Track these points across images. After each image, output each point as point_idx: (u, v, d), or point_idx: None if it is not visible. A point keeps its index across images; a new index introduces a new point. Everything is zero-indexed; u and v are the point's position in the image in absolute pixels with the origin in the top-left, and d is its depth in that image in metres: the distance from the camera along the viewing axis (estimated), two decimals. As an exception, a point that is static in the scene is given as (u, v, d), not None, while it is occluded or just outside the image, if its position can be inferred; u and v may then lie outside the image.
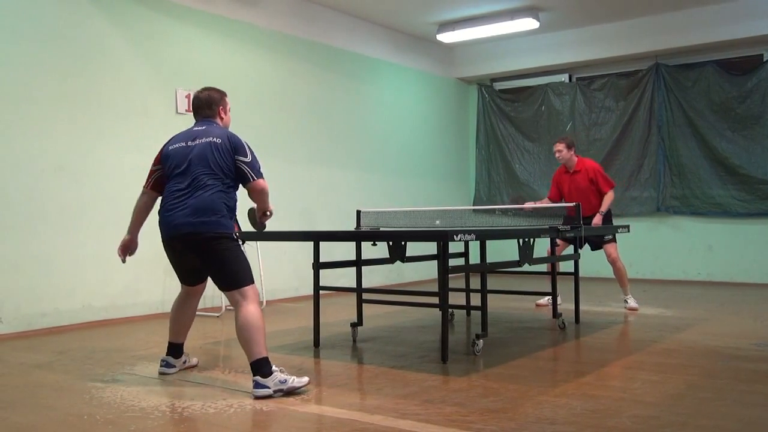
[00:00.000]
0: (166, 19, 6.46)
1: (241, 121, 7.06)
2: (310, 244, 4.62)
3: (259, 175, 3.63)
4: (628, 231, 5.99)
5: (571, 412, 3.00)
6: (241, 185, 3.66)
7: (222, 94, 3.87)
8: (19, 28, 5.40)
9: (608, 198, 6.23)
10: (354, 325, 4.91)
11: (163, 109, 6.40)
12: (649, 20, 8.79)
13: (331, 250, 6.61)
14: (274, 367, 3.38)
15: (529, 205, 6.25)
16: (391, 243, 4.66)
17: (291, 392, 3.33)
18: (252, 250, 6.85)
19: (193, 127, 3.79)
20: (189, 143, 3.64)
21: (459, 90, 10.58)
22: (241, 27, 7.13)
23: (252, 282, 3.53)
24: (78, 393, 3.47)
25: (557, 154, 6.36)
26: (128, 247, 3.88)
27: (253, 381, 3.34)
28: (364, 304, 4.99)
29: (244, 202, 3.81)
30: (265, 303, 6.64)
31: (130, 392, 3.46)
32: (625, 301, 6.34)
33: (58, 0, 5.65)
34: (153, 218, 5.96)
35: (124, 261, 3.89)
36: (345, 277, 7.56)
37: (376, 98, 8.93)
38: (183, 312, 3.90)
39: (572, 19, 8.89)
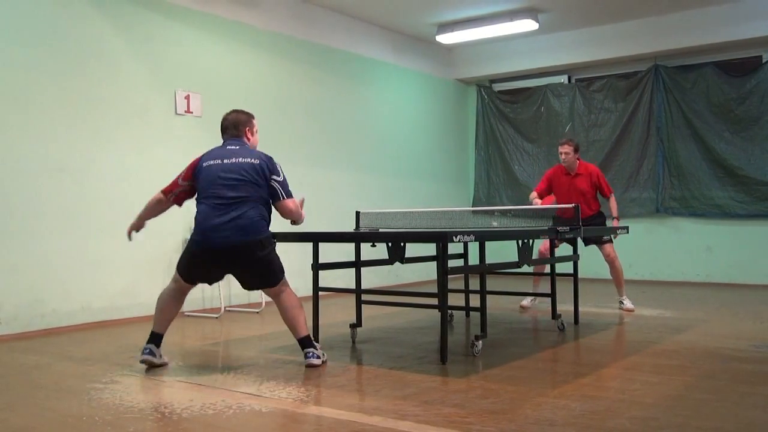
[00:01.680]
0: (166, 21, 6.46)
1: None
2: (309, 245, 4.62)
3: (289, 195, 3.96)
4: (627, 232, 6.00)
5: (570, 413, 3.00)
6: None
7: (249, 117, 4.11)
8: (19, 29, 5.39)
9: (615, 203, 6.46)
10: (353, 326, 4.91)
11: (163, 111, 6.40)
12: (648, 21, 8.80)
13: (330, 251, 6.60)
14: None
15: (535, 202, 6.25)
16: (390, 244, 4.66)
17: (324, 363, 3.99)
18: (251, 251, 6.85)
19: (225, 145, 4.01)
20: (225, 161, 3.87)
21: (458, 91, 10.58)
22: (240, 28, 7.13)
23: (284, 274, 4.02)
24: (77, 394, 3.47)
25: (563, 156, 6.25)
26: (136, 227, 4.14)
27: (308, 352, 3.92)
28: (363, 305, 4.99)
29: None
30: (264, 304, 6.64)
31: (129, 393, 3.46)
32: (621, 302, 6.33)
33: (57, 1, 5.65)
34: (152, 221, 5.93)
35: (130, 238, 4.14)
36: (344, 278, 7.56)
37: (375, 99, 8.93)
38: (172, 305, 4.02)
39: (571, 20, 8.90)
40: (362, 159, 8.65)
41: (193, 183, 3.98)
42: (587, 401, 3.19)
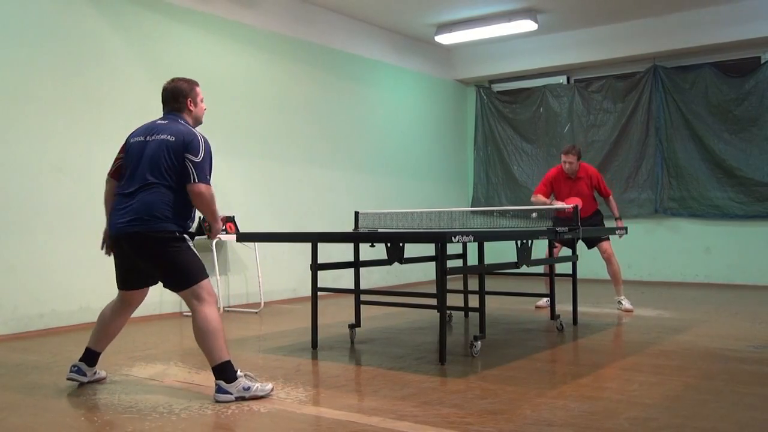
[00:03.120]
0: (165, 20, 6.46)
1: (238, 122, 7.07)
2: (308, 245, 4.62)
3: (203, 179, 3.36)
4: (626, 233, 6.01)
5: (568, 413, 3.00)
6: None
7: (192, 84, 3.62)
8: (17, 28, 5.39)
9: (615, 202, 6.52)
10: (352, 327, 4.91)
11: (162, 110, 6.38)
12: (647, 22, 8.81)
13: (329, 252, 6.60)
14: (239, 372, 3.30)
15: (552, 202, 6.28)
16: (389, 244, 4.66)
17: (253, 399, 3.26)
18: (250, 252, 6.86)
19: (157, 120, 3.57)
20: (147, 138, 3.45)
21: (457, 91, 10.58)
22: (239, 28, 7.13)
23: (201, 279, 3.35)
24: (75, 394, 3.46)
25: (568, 165, 6.25)
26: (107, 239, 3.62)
27: (216, 385, 3.27)
28: (362, 306, 4.99)
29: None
30: (263, 305, 6.64)
31: (128, 393, 3.45)
32: (619, 302, 6.34)
33: (57, 1, 5.64)
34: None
35: (109, 254, 3.61)
36: (343, 278, 7.56)
37: (374, 100, 8.93)
38: (113, 321, 3.62)
39: (570, 21, 8.90)
40: (361, 159, 8.65)
41: (123, 158, 3.56)
42: (586, 402, 3.19)
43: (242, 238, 5.03)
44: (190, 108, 3.60)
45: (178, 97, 3.58)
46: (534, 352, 4.44)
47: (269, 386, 3.38)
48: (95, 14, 5.91)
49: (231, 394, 3.24)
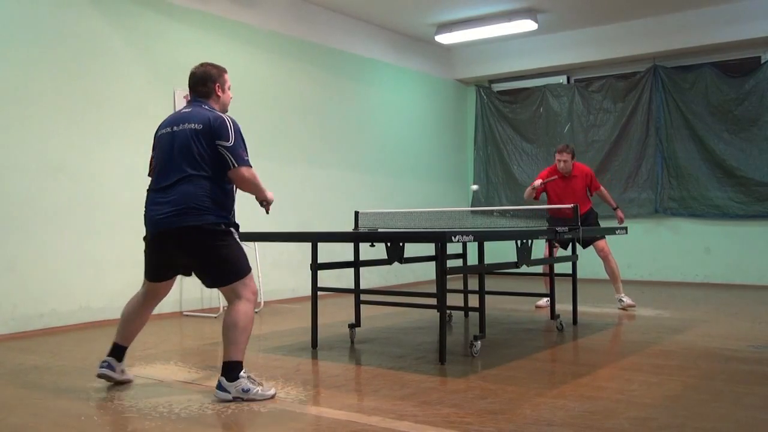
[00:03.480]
0: (165, 19, 6.46)
1: (239, 121, 7.06)
2: (308, 245, 4.62)
3: (242, 162, 3.32)
4: (626, 232, 6.01)
5: (568, 413, 3.00)
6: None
7: (221, 70, 3.56)
8: (17, 28, 5.39)
9: (607, 192, 6.60)
10: (352, 326, 4.91)
11: (162, 110, 6.37)
12: (647, 22, 8.81)
13: (329, 251, 6.61)
14: (242, 373, 3.28)
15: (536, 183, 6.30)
16: (389, 244, 4.66)
17: (251, 401, 3.23)
18: (250, 252, 6.84)
19: (182, 108, 3.50)
20: (174, 128, 3.37)
21: (457, 91, 10.58)
22: (239, 28, 7.13)
23: (245, 275, 3.33)
24: (75, 394, 3.47)
25: (562, 164, 6.30)
26: None
27: (218, 380, 3.27)
28: (362, 305, 4.99)
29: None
30: (263, 304, 6.63)
31: (127, 393, 3.45)
32: (620, 300, 6.35)
33: (56, 0, 5.64)
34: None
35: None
36: (343, 278, 7.56)
37: (374, 99, 8.93)
38: (139, 315, 3.59)
39: (570, 20, 8.90)
40: (361, 159, 8.64)
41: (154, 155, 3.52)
42: (586, 401, 3.19)
43: (242, 237, 5.01)
44: (218, 93, 3.54)
45: (206, 81, 3.51)
46: (534, 352, 4.44)
47: (271, 391, 3.32)
48: (95, 14, 5.90)
49: (228, 393, 3.23)
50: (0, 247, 5.22)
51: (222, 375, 3.26)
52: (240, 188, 3.44)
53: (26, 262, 5.35)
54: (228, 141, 3.31)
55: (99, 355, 4.44)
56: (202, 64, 3.57)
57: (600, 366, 4.00)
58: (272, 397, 3.30)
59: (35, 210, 5.43)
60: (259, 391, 3.27)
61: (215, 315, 6.26)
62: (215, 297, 6.51)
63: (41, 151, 5.49)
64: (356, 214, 5.60)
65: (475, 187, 6.11)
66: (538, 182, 6.32)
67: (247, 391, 3.24)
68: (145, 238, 3.47)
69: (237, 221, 3.48)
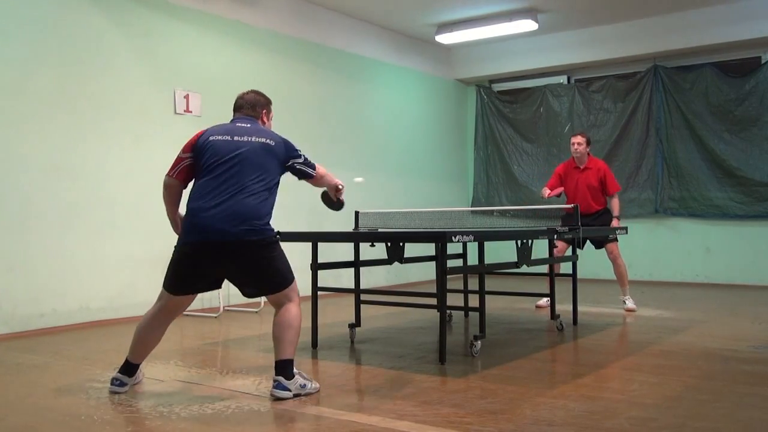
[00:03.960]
0: (165, 19, 6.45)
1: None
2: (308, 245, 4.62)
3: (314, 166, 3.66)
4: (626, 233, 6.00)
5: (568, 413, 3.00)
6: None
7: (269, 101, 3.75)
8: (17, 26, 5.39)
9: (618, 202, 6.44)
10: (352, 326, 4.91)
11: (162, 110, 6.40)
12: (647, 22, 8.80)
13: (330, 251, 6.61)
14: (295, 370, 3.33)
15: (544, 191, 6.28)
16: (389, 244, 4.66)
17: (308, 395, 3.32)
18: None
19: (235, 122, 3.55)
20: (236, 138, 3.39)
21: (457, 91, 10.58)
22: (239, 27, 7.13)
23: (293, 280, 3.44)
24: (75, 393, 3.46)
25: (576, 146, 6.33)
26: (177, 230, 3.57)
27: (275, 381, 3.27)
28: (362, 305, 4.99)
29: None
30: (263, 304, 6.64)
31: (128, 393, 3.45)
32: (624, 302, 6.35)
33: None
34: (148, 219, 5.93)
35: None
36: (343, 278, 7.55)
37: (374, 99, 8.93)
38: (154, 332, 3.51)
39: (571, 20, 8.90)
40: (361, 159, 8.64)
41: (194, 158, 3.43)
42: (586, 401, 3.19)
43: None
44: (264, 120, 3.68)
45: (255, 106, 3.66)
46: (534, 352, 4.44)
47: (318, 385, 3.43)
48: (96, 13, 5.90)
49: (290, 390, 3.26)
50: (0, 247, 5.22)
51: (278, 375, 3.27)
52: (319, 185, 3.76)
53: (26, 262, 5.35)
54: (300, 158, 3.58)
55: (99, 355, 4.45)
56: (252, 91, 3.74)
57: (600, 366, 4.00)
58: (319, 389, 3.41)
59: (35, 210, 5.43)
60: (312, 386, 3.37)
61: (215, 315, 6.26)
62: (215, 297, 6.51)
63: (41, 151, 5.49)
64: (356, 214, 5.60)
65: (359, 179, 6.04)
66: (546, 192, 6.31)
67: (304, 386, 3.32)
68: (183, 247, 3.36)
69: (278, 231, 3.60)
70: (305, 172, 3.61)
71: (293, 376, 3.29)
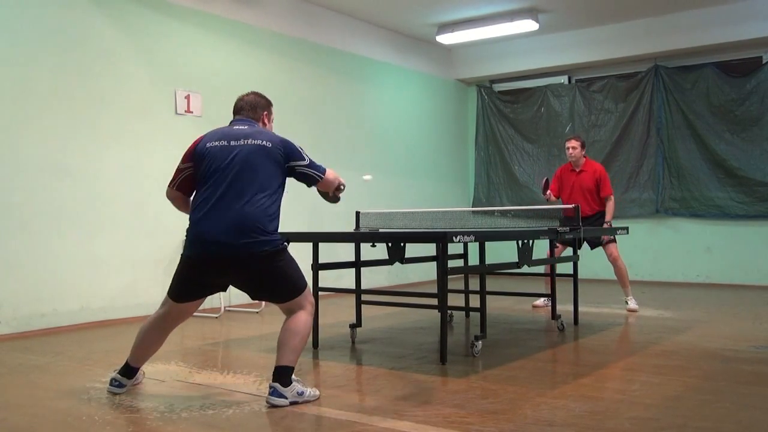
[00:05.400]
0: (166, 20, 6.46)
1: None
2: (309, 245, 4.62)
3: (323, 169, 3.47)
4: (627, 233, 6.00)
5: (569, 413, 3.00)
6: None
7: (269, 102, 3.62)
8: (18, 27, 5.39)
9: (612, 205, 6.41)
10: (353, 326, 4.91)
11: (163, 110, 6.40)
12: (648, 22, 8.80)
13: (332, 251, 6.61)
14: (294, 377, 3.25)
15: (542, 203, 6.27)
16: (390, 244, 4.66)
17: (305, 403, 3.21)
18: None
19: (233, 125, 3.44)
20: (232, 143, 3.28)
21: (458, 91, 10.58)
22: (240, 28, 7.13)
23: (305, 288, 3.31)
24: (76, 394, 3.47)
25: (570, 151, 6.37)
26: None
27: (272, 387, 3.18)
28: (363, 306, 4.99)
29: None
30: (264, 304, 6.64)
31: (128, 393, 3.45)
32: (626, 303, 6.36)
33: (57, 0, 5.64)
34: (149, 219, 5.93)
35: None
36: (344, 278, 7.55)
37: (375, 99, 8.93)
38: (156, 337, 3.46)
39: (571, 20, 8.90)
40: (362, 159, 8.64)
41: (194, 167, 3.35)
42: (587, 402, 3.19)
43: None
44: (265, 121, 3.56)
45: (256, 108, 3.54)
46: (535, 352, 4.44)
47: (317, 392, 3.32)
48: (96, 14, 5.91)
49: (286, 398, 3.16)
50: (1, 247, 5.22)
51: (275, 381, 3.17)
52: (326, 189, 3.57)
53: (27, 262, 5.36)
54: (304, 160, 3.38)
55: (100, 355, 4.46)
56: (253, 92, 3.62)
57: (601, 366, 4.00)
58: (318, 398, 3.29)
59: (36, 210, 5.43)
60: (310, 393, 3.26)
61: (216, 315, 6.26)
62: (216, 297, 6.51)
63: (42, 152, 5.49)
64: (357, 214, 5.60)
65: (367, 177, 6.00)
66: (550, 195, 6.32)
67: (302, 393, 3.21)
68: (187, 259, 3.30)
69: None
70: (310, 177, 3.41)
71: (291, 383, 3.20)
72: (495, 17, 8.51)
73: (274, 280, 3.25)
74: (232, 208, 3.17)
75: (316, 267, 4.60)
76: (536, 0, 8.06)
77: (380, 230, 5.34)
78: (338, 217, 7.88)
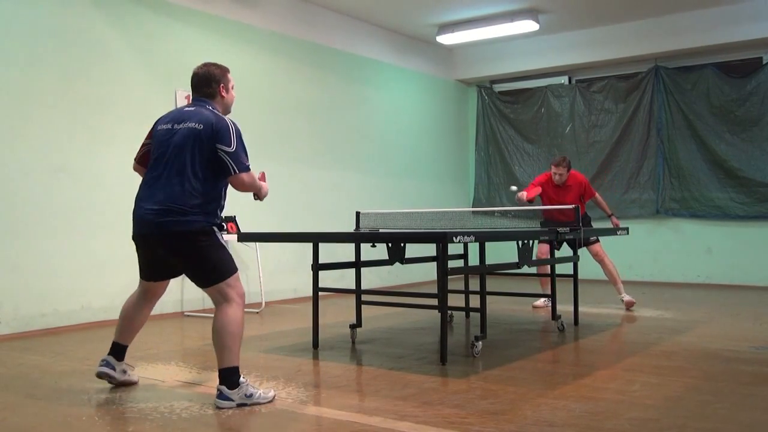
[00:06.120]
0: (167, 21, 6.46)
1: (240, 122, 7.06)
2: (309, 245, 4.62)
3: (243, 168, 3.26)
4: (627, 233, 6.00)
5: (569, 414, 3.00)
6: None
7: (224, 70, 3.50)
8: (19, 29, 5.39)
9: (603, 199, 6.59)
10: (353, 327, 4.91)
11: (163, 110, 6.30)
12: (648, 23, 8.80)
13: (332, 252, 6.61)
14: (242, 378, 3.19)
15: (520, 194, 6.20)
16: (390, 244, 4.66)
17: (255, 405, 3.16)
18: (251, 252, 6.85)
19: (185, 106, 3.44)
20: (175, 126, 3.31)
21: (458, 92, 10.58)
22: (240, 28, 7.13)
23: (229, 277, 3.24)
24: (77, 394, 3.47)
25: (557, 177, 6.31)
26: None
27: (218, 390, 3.16)
28: (363, 306, 4.99)
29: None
30: (264, 304, 6.64)
31: (129, 394, 3.46)
32: (621, 300, 6.39)
33: (58, 1, 5.65)
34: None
35: None
36: (344, 278, 7.56)
37: (375, 100, 8.93)
38: (137, 313, 3.54)
39: (572, 21, 8.90)
40: (362, 159, 8.64)
41: (150, 144, 3.44)
42: (587, 402, 3.19)
43: (243, 238, 5.04)
44: (222, 94, 3.48)
45: (210, 82, 3.44)
46: (535, 353, 4.44)
47: (271, 393, 3.27)
48: (96, 14, 5.91)
49: (233, 400, 3.13)
50: (2, 248, 5.22)
51: (221, 384, 3.15)
52: (240, 191, 3.42)
53: (28, 263, 5.36)
54: (230, 146, 3.24)
55: (101, 355, 4.43)
56: (204, 64, 3.50)
57: (601, 367, 4.00)
58: (273, 399, 3.26)
59: (37, 210, 5.43)
60: (261, 395, 3.21)
61: (216, 315, 6.26)
62: (216, 297, 6.51)
63: (43, 152, 5.49)
64: (357, 214, 5.60)
65: (514, 188, 6.02)
66: (523, 195, 6.21)
67: (251, 396, 3.17)
68: (132, 236, 3.41)
69: (228, 221, 3.42)
70: (225, 166, 3.23)
71: (237, 385, 3.14)
72: (495, 17, 8.52)
73: (194, 260, 3.24)
74: (162, 191, 3.22)
75: (316, 267, 4.60)
76: (536, 0, 8.06)
77: (380, 230, 5.34)
78: (337, 218, 7.89)
